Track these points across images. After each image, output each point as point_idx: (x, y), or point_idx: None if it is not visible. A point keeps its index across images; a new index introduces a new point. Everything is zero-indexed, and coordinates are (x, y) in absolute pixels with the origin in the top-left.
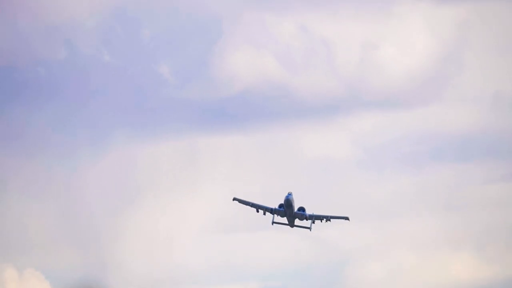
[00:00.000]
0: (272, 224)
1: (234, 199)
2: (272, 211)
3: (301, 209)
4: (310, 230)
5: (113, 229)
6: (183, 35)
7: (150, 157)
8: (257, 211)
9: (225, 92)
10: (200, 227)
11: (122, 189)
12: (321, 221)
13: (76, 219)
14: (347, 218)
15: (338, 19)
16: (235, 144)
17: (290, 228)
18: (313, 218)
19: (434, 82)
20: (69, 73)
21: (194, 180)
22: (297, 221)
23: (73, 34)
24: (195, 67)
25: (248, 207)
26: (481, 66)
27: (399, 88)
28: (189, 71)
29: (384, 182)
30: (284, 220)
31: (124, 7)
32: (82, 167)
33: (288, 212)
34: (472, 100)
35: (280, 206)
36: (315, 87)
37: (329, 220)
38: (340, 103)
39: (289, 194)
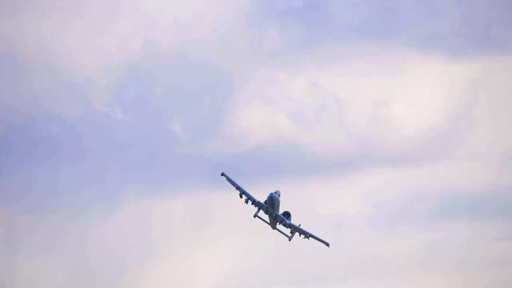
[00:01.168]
0: (254, 217)
1: (223, 174)
2: (256, 203)
3: (286, 214)
4: (289, 240)
5: (125, 287)
6: (195, 91)
7: (162, 214)
8: (241, 197)
9: (237, 148)
10: (212, 284)
11: (134, 246)
12: (300, 235)
13: (87, 277)
14: (327, 244)
15: (349, 76)
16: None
17: (271, 229)
18: (293, 228)
19: (445, 139)
20: (82, 130)
21: (207, 237)
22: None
23: (87, 92)
24: (207, 124)
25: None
26: (491, 124)
27: (410, 145)
28: (201, 127)
29: (395, 239)
30: (268, 218)
31: (137, 65)
32: (94, 225)
33: (270, 211)
34: (483, 157)
35: (266, 202)
36: (326, 144)
37: (308, 238)
38: (351, 160)
39: (275, 192)
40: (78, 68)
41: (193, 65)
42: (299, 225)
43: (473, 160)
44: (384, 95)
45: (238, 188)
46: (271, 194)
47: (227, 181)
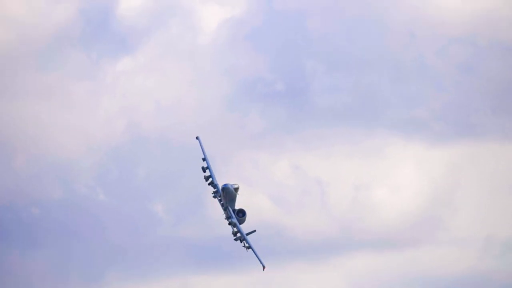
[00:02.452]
0: (213, 196)
1: (197, 138)
2: (214, 185)
3: (240, 212)
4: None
5: None
6: (177, 174)
7: None
8: (204, 171)
9: (219, 231)
10: None
11: None
12: (240, 242)
13: None
14: (263, 266)
15: (331, 159)
16: (229, 284)
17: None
18: (236, 229)
19: (427, 223)
20: (63, 212)
21: None
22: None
23: (68, 173)
24: (189, 206)
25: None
26: (473, 209)
27: (392, 229)
28: (183, 209)
29: None
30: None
31: (120, 147)
32: None
33: (223, 201)
34: (465, 242)
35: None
36: (308, 227)
37: (247, 250)
38: (333, 243)
39: (232, 185)
40: (59, 150)
41: (176, 148)
42: (250, 232)
43: (455, 245)
44: (366, 178)
45: (204, 159)
46: (224, 185)
47: (200, 148)
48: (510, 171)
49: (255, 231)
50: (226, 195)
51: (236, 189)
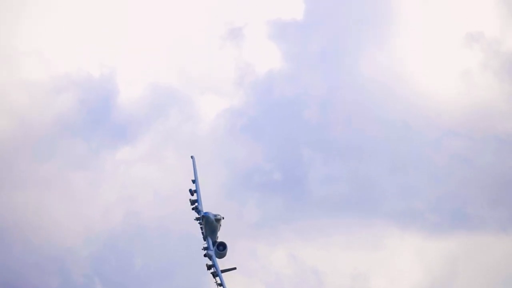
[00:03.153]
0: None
1: (192, 157)
2: (197, 209)
3: (221, 245)
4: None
5: None
6: (177, 262)
7: None
8: (191, 194)
9: None
10: None
11: None
12: (213, 277)
13: None
14: (234, 268)
15: (328, 249)
16: None
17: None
18: (211, 264)
19: None
20: None
21: None
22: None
23: (67, 263)
24: None
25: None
26: None
27: None
28: None
29: None
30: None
31: (118, 236)
32: None
33: (203, 231)
34: None
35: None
36: None
37: (217, 286)
38: None
39: (214, 214)
40: (57, 238)
41: (174, 237)
42: (229, 269)
43: None
44: (363, 268)
45: (195, 181)
46: (205, 213)
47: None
48: (506, 263)
49: (235, 268)
50: (206, 224)
51: (218, 220)
